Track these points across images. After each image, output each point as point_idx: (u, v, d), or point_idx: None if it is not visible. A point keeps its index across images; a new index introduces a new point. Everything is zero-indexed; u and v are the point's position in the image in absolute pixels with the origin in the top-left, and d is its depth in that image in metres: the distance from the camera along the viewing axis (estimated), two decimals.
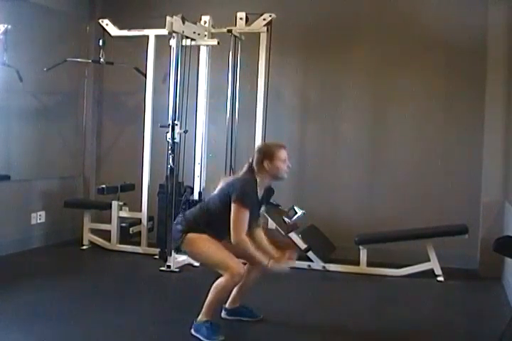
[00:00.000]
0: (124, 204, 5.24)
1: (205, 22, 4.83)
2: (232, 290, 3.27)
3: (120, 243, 5.19)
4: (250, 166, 3.20)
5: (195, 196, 4.82)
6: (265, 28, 4.82)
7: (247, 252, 3.08)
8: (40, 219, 5.26)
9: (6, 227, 4.89)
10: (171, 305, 3.78)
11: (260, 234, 3.32)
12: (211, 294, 3.08)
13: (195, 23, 4.68)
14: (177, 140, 4.54)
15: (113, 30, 5.11)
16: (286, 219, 4.73)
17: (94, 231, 5.32)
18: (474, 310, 3.82)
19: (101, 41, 5.24)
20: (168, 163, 4.54)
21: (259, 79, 4.90)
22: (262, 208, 3.35)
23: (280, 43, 4.94)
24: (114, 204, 5.19)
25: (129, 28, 5.06)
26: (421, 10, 4.97)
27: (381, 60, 5.11)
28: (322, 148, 5.31)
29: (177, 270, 4.53)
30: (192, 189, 4.86)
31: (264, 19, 4.80)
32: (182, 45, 4.58)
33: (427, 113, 5.05)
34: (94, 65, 5.55)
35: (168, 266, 4.52)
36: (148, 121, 5.07)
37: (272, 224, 4.76)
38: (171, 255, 4.51)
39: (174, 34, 4.48)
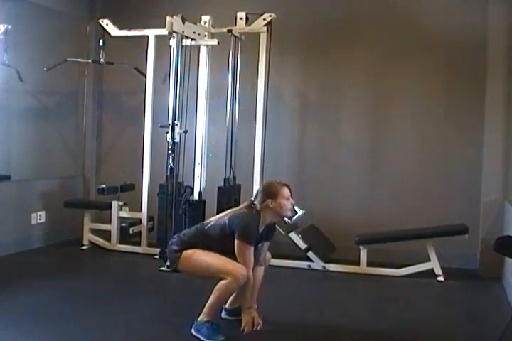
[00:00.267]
0: (124, 204, 5.24)
1: (205, 22, 4.83)
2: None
3: (120, 243, 5.20)
4: (251, 203, 3.21)
5: (195, 196, 4.82)
6: (265, 28, 4.81)
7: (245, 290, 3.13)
8: (40, 219, 5.26)
9: (6, 227, 4.89)
10: (170, 305, 3.78)
11: (260, 273, 3.34)
12: (213, 295, 3.08)
13: (195, 23, 4.68)
14: (177, 140, 4.54)
15: (113, 30, 5.11)
16: (286, 219, 4.72)
17: (94, 231, 5.32)
18: (474, 310, 3.82)
19: (101, 41, 5.25)
20: (168, 163, 4.54)
21: (259, 80, 4.90)
22: (259, 245, 3.26)
23: (280, 43, 4.94)
24: (114, 204, 5.19)
25: (129, 28, 5.06)
26: (421, 10, 4.97)
27: (381, 60, 5.11)
28: (322, 148, 5.31)
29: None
30: (192, 189, 4.86)
31: (264, 19, 4.80)
32: (182, 45, 4.58)
33: (426, 113, 5.05)
34: (94, 65, 5.55)
35: (168, 266, 4.51)
36: (148, 121, 5.07)
37: None
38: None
39: (174, 34, 4.48)
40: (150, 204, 5.08)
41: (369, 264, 4.64)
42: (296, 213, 4.67)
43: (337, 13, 5.20)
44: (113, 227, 5.19)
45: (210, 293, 3.09)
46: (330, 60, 5.26)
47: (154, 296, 3.99)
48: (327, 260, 4.75)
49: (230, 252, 3.09)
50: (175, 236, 3.34)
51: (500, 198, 4.63)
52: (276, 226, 4.67)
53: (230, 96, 4.98)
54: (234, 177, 4.98)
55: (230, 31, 4.80)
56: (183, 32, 4.50)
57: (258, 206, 3.18)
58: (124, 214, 5.22)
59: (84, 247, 5.28)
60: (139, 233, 5.16)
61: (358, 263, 4.65)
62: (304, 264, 4.72)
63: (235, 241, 3.07)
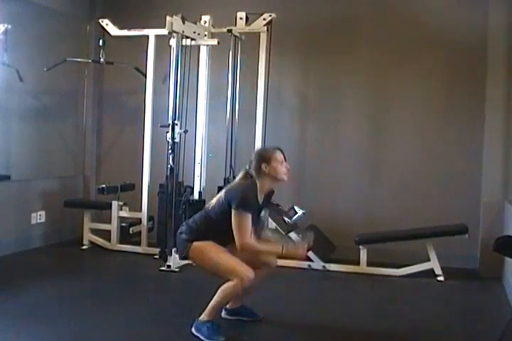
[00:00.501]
0: (124, 204, 5.24)
1: (205, 22, 4.83)
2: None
3: (120, 243, 5.20)
4: (246, 173, 3.20)
5: (195, 196, 4.82)
6: (265, 28, 4.82)
7: (254, 255, 3.09)
8: (40, 219, 5.26)
9: (6, 227, 4.89)
10: (170, 305, 3.78)
11: (265, 236, 3.35)
12: (218, 296, 3.07)
13: (195, 23, 4.68)
14: (177, 140, 4.54)
15: (113, 30, 5.11)
16: (286, 219, 4.73)
17: (94, 231, 5.32)
18: (474, 310, 3.82)
19: (101, 41, 5.24)
20: (168, 163, 4.54)
21: (259, 80, 4.91)
22: (262, 213, 3.31)
23: (280, 43, 4.95)
24: (114, 204, 5.19)
25: (129, 28, 5.06)
26: (421, 10, 4.97)
27: (381, 60, 5.11)
28: (322, 148, 5.31)
29: (177, 270, 4.53)
30: (192, 189, 4.86)
31: (264, 19, 4.80)
32: (182, 45, 4.58)
33: (426, 113, 5.05)
34: (94, 64, 5.55)
35: (168, 266, 4.52)
36: (148, 121, 5.07)
37: (271, 224, 4.76)
38: (171, 255, 4.51)
39: (174, 34, 4.48)
40: (150, 204, 5.08)
41: (369, 264, 4.64)
42: (296, 213, 4.69)
43: (337, 13, 5.20)
44: (113, 227, 5.19)
45: (214, 293, 3.08)
46: (330, 60, 5.26)
47: (154, 296, 3.99)
48: (327, 260, 4.75)
49: (231, 236, 3.07)
50: (184, 223, 3.32)
51: (500, 198, 4.63)
52: (276, 226, 4.72)
53: (230, 96, 4.98)
54: (234, 177, 4.96)
55: (230, 31, 4.80)
56: (183, 32, 4.50)
57: (253, 173, 3.15)
58: (124, 214, 5.22)
59: (84, 247, 5.28)
60: (139, 233, 5.16)
61: (358, 263, 4.66)
62: (304, 264, 4.72)
63: (233, 212, 3.03)
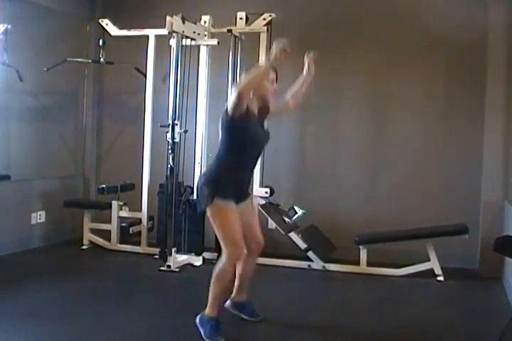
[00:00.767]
0: (124, 204, 5.24)
1: (205, 22, 4.84)
2: (232, 280, 3.24)
3: (120, 243, 5.19)
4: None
5: (195, 196, 4.82)
6: (265, 28, 4.82)
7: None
8: (40, 219, 5.26)
9: (6, 227, 4.89)
10: (171, 305, 3.78)
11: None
12: (213, 284, 3.10)
13: (195, 23, 4.68)
14: (177, 140, 4.54)
15: (113, 30, 5.11)
16: (286, 219, 4.73)
17: (94, 231, 5.32)
18: (474, 310, 3.82)
19: (101, 41, 5.24)
20: (168, 163, 4.54)
21: None
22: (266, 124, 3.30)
23: None
24: (114, 204, 5.19)
25: (129, 28, 5.06)
26: (421, 10, 4.97)
27: (381, 60, 5.11)
28: (322, 148, 5.31)
29: (177, 270, 4.53)
30: (192, 189, 4.86)
31: (264, 19, 4.80)
32: (182, 45, 4.58)
33: (426, 113, 5.05)
34: (94, 64, 5.55)
35: (168, 266, 4.52)
36: (148, 121, 5.07)
37: (271, 224, 4.76)
38: (171, 255, 4.51)
39: (174, 34, 4.48)
40: (150, 204, 5.08)
41: (369, 264, 4.64)
42: (296, 213, 4.70)
43: (337, 13, 5.19)
44: (113, 227, 5.19)
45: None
46: (330, 60, 5.24)
47: (154, 296, 3.99)
48: (327, 260, 4.75)
49: (254, 151, 3.16)
50: (201, 175, 3.35)
51: (500, 198, 4.63)
52: (277, 226, 4.72)
53: (229, 96, 4.97)
54: None
55: (230, 31, 4.80)
56: (183, 32, 4.50)
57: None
58: (124, 213, 5.22)
59: (84, 247, 5.28)
60: (139, 233, 5.16)
61: (358, 263, 4.65)
62: (304, 264, 4.72)
63: (229, 104, 3.00)
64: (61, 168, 5.62)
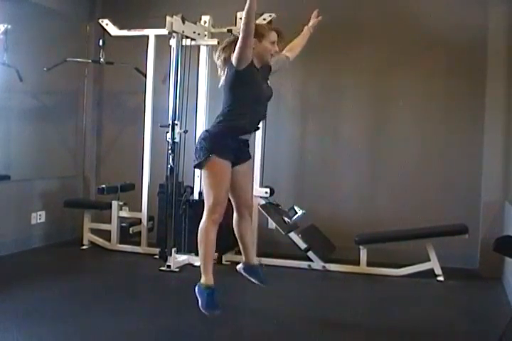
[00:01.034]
0: (124, 204, 5.24)
1: (205, 22, 4.83)
2: (215, 241, 3.20)
3: (120, 243, 5.19)
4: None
5: (195, 196, 4.82)
6: None
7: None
8: (40, 219, 5.26)
9: (6, 227, 4.89)
10: (170, 305, 3.78)
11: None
12: (199, 246, 3.14)
13: (195, 23, 4.68)
14: (177, 140, 4.54)
15: (113, 30, 5.11)
16: (286, 219, 4.73)
17: (94, 231, 5.32)
18: (474, 310, 3.82)
19: (101, 41, 5.24)
20: (168, 163, 4.54)
21: None
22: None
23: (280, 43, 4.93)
24: (114, 204, 5.19)
25: (129, 28, 5.05)
26: (421, 10, 4.96)
27: (381, 59, 5.11)
28: (322, 148, 5.31)
29: (177, 270, 4.53)
30: (192, 189, 4.87)
31: (264, 19, 4.80)
32: (182, 45, 4.58)
33: (426, 113, 5.05)
34: (94, 64, 5.55)
35: (168, 266, 4.52)
36: (148, 121, 5.07)
37: (271, 224, 4.76)
38: (171, 255, 4.52)
39: (174, 34, 4.49)
40: (150, 204, 5.08)
41: (369, 264, 4.63)
42: (296, 213, 4.70)
43: (337, 13, 5.18)
44: (113, 227, 5.19)
45: None
46: (330, 60, 5.26)
47: (154, 296, 4.00)
48: (327, 260, 4.75)
49: (247, 107, 3.15)
50: (203, 131, 3.34)
51: (500, 198, 4.63)
52: (276, 225, 4.72)
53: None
54: None
55: (230, 31, 4.79)
56: (183, 32, 4.50)
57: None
58: (124, 214, 5.22)
59: (84, 247, 5.28)
60: (139, 233, 5.15)
61: (358, 263, 4.65)
62: (304, 264, 4.72)
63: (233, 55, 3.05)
64: (61, 168, 5.62)
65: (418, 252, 4.56)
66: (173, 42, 4.56)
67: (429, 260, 4.50)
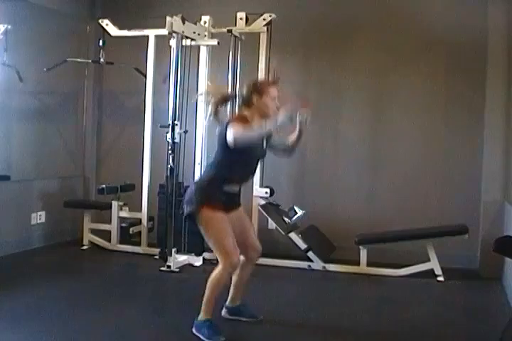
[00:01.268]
0: (124, 204, 5.24)
1: (205, 22, 4.83)
2: (227, 284, 3.24)
3: (120, 243, 5.19)
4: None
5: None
6: (265, 28, 4.82)
7: (251, 136, 2.99)
8: (40, 219, 5.26)
9: (6, 227, 4.89)
10: (170, 305, 3.78)
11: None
12: (207, 289, 3.09)
13: (195, 23, 4.68)
14: (177, 140, 4.54)
15: (113, 30, 5.11)
16: (286, 220, 4.73)
17: (94, 232, 5.32)
18: (474, 310, 3.82)
19: (101, 41, 5.24)
20: (168, 163, 4.54)
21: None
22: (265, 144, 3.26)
23: (280, 43, 4.94)
24: (114, 204, 5.19)
25: (129, 28, 5.06)
26: (421, 10, 4.97)
27: (381, 59, 5.11)
28: (322, 148, 5.31)
29: (177, 270, 4.53)
30: None
31: (264, 19, 4.80)
32: (182, 45, 4.58)
33: (426, 113, 5.05)
34: (94, 65, 5.55)
35: (168, 266, 4.52)
36: (148, 121, 5.07)
37: (271, 224, 4.76)
38: (171, 255, 4.51)
39: (174, 34, 4.48)
40: (150, 204, 5.08)
41: (369, 264, 4.64)
42: (296, 213, 4.70)
43: (337, 13, 5.20)
44: (113, 227, 5.19)
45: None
46: (330, 60, 5.26)
47: (154, 296, 3.99)
48: (327, 260, 4.75)
49: (249, 164, 3.13)
50: (192, 184, 3.30)
51: (500, 198, 4.63)
52: (276, 226, 4.72)
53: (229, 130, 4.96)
54: None
55: (230, 31, 4.80)
56: (183, 32, 4.50)
57: (242, 104, 3.09)
58: (124, 214, 5.22)
59: (84, 247, 5.28)
60: (139, 233, 5.16)
61: (358, 263, 4.65)
62: (304, 264, 4.72)
63: (227, 130, 2.97)
64: (61, 168, 5.62)
65: (418, 252, 4.56)
66: (173, 42, 4.56)
67: (429, 260, 4.50)
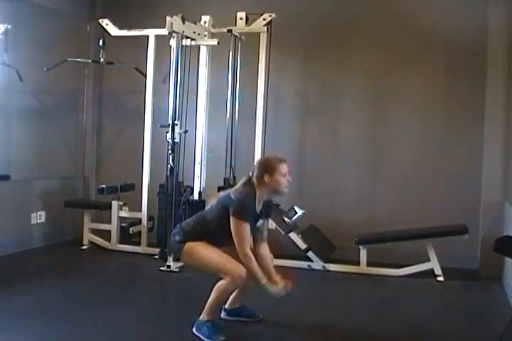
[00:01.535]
0: (124, 204, 5.24)
1: (205, 22, 4.83)
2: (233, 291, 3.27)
3: (120, 243, 5.20)
4: (249, 179, 3.18)
5: (195, 196, 4.82)
6: (265, 28, 4.82)
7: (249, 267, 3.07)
8: (40, 219, 5.26)
9: (6, 227, 4.89)
10: (170, 305, 3.78)
11: (265, 250, 3.30)
12: (213, 295, 3.09)
13: (195, 23, 4.68)
14: (177, 140, 4.54)
15: (113, 30, 5.11)
16: (286, 219, 4.73)
17: (94, 231, 5.32)
18: (474, 310, 3.83)
19: (101, 41, 5.24)
20: (168, 163, 4.54)
21: (259, 79, 4.90)
22: (260, 222, 3.26)
23: (280, 43, 4.94)
24: (114, 204, 5.19)
25: (129, 28, 5.06)
26: (421, 10, 4.97)
27: (381, 59, 5.11)
28: (322, 148, 5.31)
29: (177, 270, 4.52)
30: (192, 189, 4.86)
31: (264, 19, 4.80)
32: (182, 45, 4.58)
33: (426, 113, 5.05)
34: (94, 65, 5.55)
35: (168, 266, 4.52)
36: (148, 121, 5.07)
37: (271, 224, 4.76)
38: (170, 255, 4.51)
39: (174, 34, 4.49)
40: (150, 204, 5.08)
41: (369, 264, 4.64)
42: (296, 213, 4.70)
43: (337, 13, 5.20)
44: (113, 227, 5.19)
45: (210, 293, 3.09)
46: (330, 60, 5.26)
47: (154, 296, 3.99)
48: (327, 260, 4.75)
49: (230, 235, 3.07)
50: (177, 226, 3.33)
51: (500, 198, 4.63)
52: (276, 226, 4.72)
53: (230, 96, 4.98)
54: (234, 177, 4.98)
55: (230, 31, 4.80)
56: (183, 32, 4.50)
57: (255, 181, 3.13)
58: (124, 214, 5.22)
59: (84, 247, 5.28)
60: (139, 233, 5.16)
61: (358, 263, 4.65)
62: (304, 264, 4.72)
63: (231, 219, 3.04)
64: (61, 168, 5.62)
65: (418, 252, 4.56)
66: (173, 42, 4.56)
67: (429, 260, 4.51)
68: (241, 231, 3.03)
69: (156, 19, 4.60)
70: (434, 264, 4.49)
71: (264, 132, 4.92)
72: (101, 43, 5.25)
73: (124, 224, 5.11)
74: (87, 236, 5.31)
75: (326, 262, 4.72)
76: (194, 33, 4.64)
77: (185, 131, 4.66)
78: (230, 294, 3.25)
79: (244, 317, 3.39)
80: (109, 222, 5.22)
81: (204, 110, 4.86)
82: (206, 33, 4.82)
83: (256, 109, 4.93)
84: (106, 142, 5.92)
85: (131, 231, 5.10)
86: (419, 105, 5.06)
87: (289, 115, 5.37)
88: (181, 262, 3.25)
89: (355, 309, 3.80)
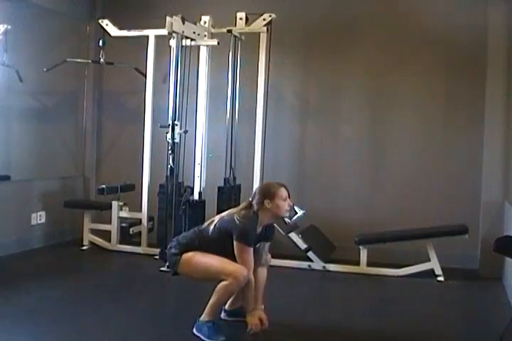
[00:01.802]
0: (124, 204, 5.24)
1: (205, 22, 4.83)
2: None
3: (120, 243, 5.20)
4: (250, 204, 3.20)
5: (195, 196, 4.82)
6: (265, 28, 4.81)
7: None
8: (40, 219, 5.26)
9: (6, 227, 4.89)
10: (170, 305, 3.78)
11: (262, 275, 3.33)
12: (214, 296, 3.09)
13: (195, 23, 4.68)
14: (177, 140, 4.54)
15: (113, 30, 5.11)
16: (286, 219, 4.73)
17: (94, 232, 5.32)
18: (474, 310, 3.82)
19: (101, 41, 5.24)
20: (168, 163, 4.54)
21: (259, 79, 4.90)
22: (258, 245, 3.27)
23: (280, 43, 4.94)
24: (114, 204, 5.19)
25: (129, 28, 5.06)
26: (421, 10, 4.97)
27: (381, 59, 5.11)
28: (322, 148, 5.31)
29: None
30: (192, 189, 4.86)
31: (264, 19, 4.80)
32: (182, 45, 4.58)
33: (427, 113, 5.05)
34: (94, 65, 5.55)
35: (168, 266, 4.51)
36: (148, 121, 5.07)
37: None
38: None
39: (174, 34, 4.48)
40: (150, 204, 5.08)
41: (369, 264, 4.64)
42: (296, 213, 4.69)
43: (337, 13, 5.20)
44: (113, 227, 5.19)
45: (211, 294, 3.09)
46: (330, 60, 5.26)
47: (154, 296, 3.99)
48: (327, 260, 4.75)
49: (229, 254, 3.09)
50: (174, 239, 3.35)
51: (500, 198, 4.63)
52: (276, 226, 4.71)
53: (230, 96, 4.98)
54: (234, 177, 4.98)
55: (230, 31, 4.80)
56: (183, 32, 4.50)
57: (255, 206, 3.17)
58: (124, 214, 5.22)
59: (85, 247, 5.28)
60: (139, 233, 5.16)
61: (358, 263, 4.65)
62: (304, 264, 4.72)
63: (234, 243, 3.07)
64: (61, 168, 5.62)
65: (418, 252, 4.56)
66: (173, 42, 4.56)
67: (429, 260, 4.51)
68: (245, 255, 3.07)
69: (156, 19, 4.60)
70: (434, 264, 4.49)
71: (264, 132, 4.92)
72: (101, 43, 5.25)
73: (124, 225, 5.11)
74: (87, 237, 5.31)
75: (326, 262, 4.72)
76: (194, 33, 4.64)
77: (185, 131, 4.66)
78: (232, 295, 3.24)
79: (244, 317, 3.38)
80: (109, 223, 5.22)
81: (204, 110, 4.86)
82: (206, 33, 4.82)
83: (256, 108, 4.93)
84: (106, 142, 5.92)
85: (131, 232, 5.10)
86: (419, 105, 5.06)
87: (289, 115, 5.37)
88: (179, 275, 3.23)
89: (355, 309, 3.80)
